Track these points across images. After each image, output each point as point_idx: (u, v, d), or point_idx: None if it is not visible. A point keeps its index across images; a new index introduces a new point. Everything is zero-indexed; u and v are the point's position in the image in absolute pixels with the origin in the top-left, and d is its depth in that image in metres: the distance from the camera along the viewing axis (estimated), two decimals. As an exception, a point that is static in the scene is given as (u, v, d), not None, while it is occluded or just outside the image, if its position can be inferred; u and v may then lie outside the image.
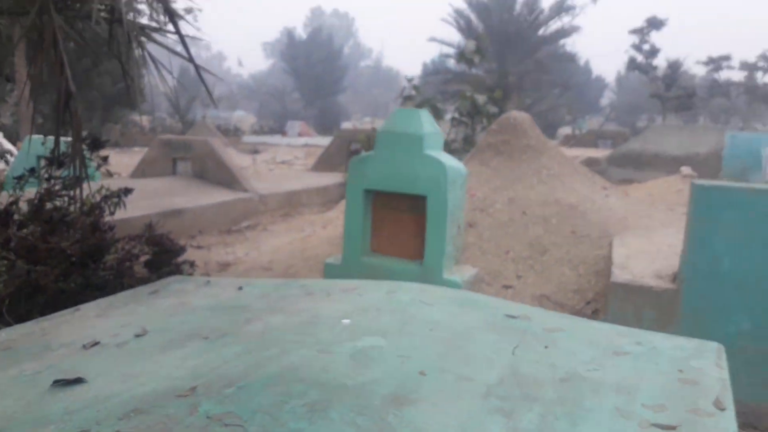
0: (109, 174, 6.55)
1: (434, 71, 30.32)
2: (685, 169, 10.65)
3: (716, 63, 36.22)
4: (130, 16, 3.30)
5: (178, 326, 1.90)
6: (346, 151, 12.05)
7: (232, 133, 28.61)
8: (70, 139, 3.31)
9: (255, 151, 20.12)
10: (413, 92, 9.56)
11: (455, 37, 28.40)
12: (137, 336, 1.81)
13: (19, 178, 3.80)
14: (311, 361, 1.52)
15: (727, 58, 35.99)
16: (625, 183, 12.92)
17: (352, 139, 12.36)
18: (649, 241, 4.34)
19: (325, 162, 12.42)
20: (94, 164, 4.29)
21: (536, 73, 27.85)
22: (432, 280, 4.10)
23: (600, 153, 15.60)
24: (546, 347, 1.81)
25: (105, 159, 4.35)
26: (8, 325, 2.45)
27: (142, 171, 8.88)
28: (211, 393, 1.31)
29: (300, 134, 28.30)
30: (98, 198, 3.85)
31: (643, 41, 27.75)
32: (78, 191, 3.51)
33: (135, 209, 5.22)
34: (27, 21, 3.08)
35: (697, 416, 1.46)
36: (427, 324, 1.87)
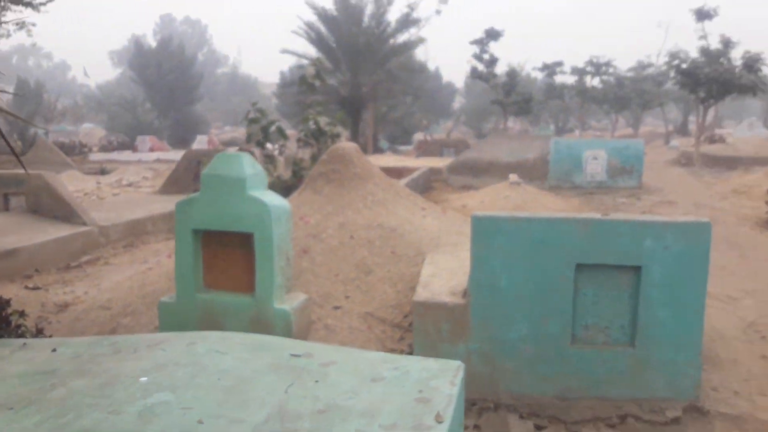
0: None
1: (291, 81, 30.59)
2: (513, 177, 11.80)
3: (551, 68, 39.72)
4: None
5: (-16, 398, 2.07)
6: (194, 172, 11.99)
7: (77, 150, 26.93)
8: None
9: (102, 171, 19.21)
10: (258, 115, 9.79)
11: (309, 48, 28.79)
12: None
13: None
14: (101, 423, 1.80)
15: (559, 64, 39.55)
16: (465, 189, 14.04)
17: (201, 158, 12.33)
18: (455, 257, 4.96)
19: (173, 184, 12.25)
20: None
21: (388, 82, 29.01)
22: (264, 311, 4.44)
23: (443, 162, 16.73)
24: (316, 381, 2.20)
25: None
26: None
27: (-33, 208, 8.34)
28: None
29: (151, 149, 27.26)
30: None
31: (483, 51, 29.79)
32: None
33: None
34: None
35: (418, 431, 1.90)
36: (216, 374, 2.20)
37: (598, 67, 39.13)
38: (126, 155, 25.23)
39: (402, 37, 29.27)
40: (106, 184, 14.18)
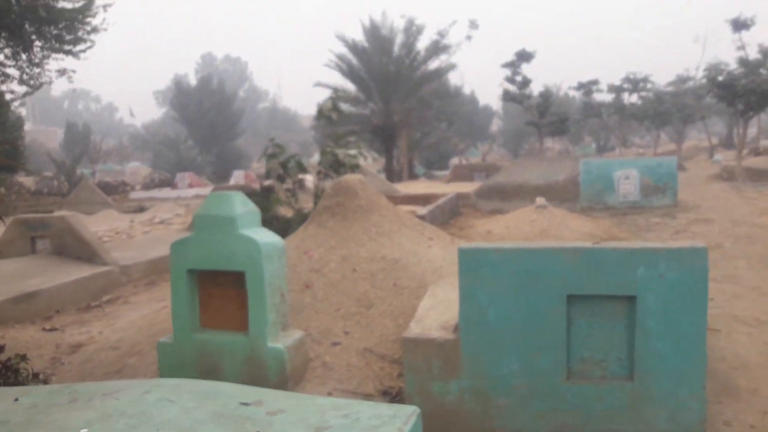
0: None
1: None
2: (539, 200, 11.58)
3: (586, 87, 39.26)
4: None
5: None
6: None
7: (120, 189, 27.87)
8: None
9: (140, 209, 19.77)
10: (277, 150, 9.93)
11: (342, 80, 29.26)
12: None
13: None
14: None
15: (595, 82, 39.10)
16: (493, 214, 13.86)
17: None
18: (455, 288, 4.85)
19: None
20: None
21: (420, 109, 29.17)
22: (258, 350, 4.43)
23: (473, 187, 16.59)
24: (258, 432, 2.15)
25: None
26: None
27: (-1, 252, 8.68)
28: None
29: (190, 185, 27.99)
30: None
31: (515, 73, 29.70)
32: None
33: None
34: None
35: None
36: (157, 425, 2.17)
37: (635, 84, 38.44)
38: (165, 192, 25.99)
39: (433, 64, 29.49)
40: (139, 222, 14.57)
